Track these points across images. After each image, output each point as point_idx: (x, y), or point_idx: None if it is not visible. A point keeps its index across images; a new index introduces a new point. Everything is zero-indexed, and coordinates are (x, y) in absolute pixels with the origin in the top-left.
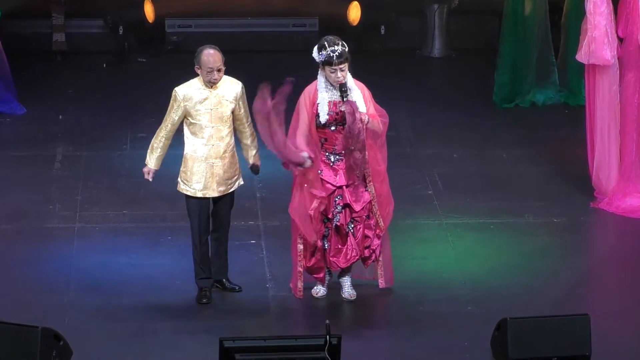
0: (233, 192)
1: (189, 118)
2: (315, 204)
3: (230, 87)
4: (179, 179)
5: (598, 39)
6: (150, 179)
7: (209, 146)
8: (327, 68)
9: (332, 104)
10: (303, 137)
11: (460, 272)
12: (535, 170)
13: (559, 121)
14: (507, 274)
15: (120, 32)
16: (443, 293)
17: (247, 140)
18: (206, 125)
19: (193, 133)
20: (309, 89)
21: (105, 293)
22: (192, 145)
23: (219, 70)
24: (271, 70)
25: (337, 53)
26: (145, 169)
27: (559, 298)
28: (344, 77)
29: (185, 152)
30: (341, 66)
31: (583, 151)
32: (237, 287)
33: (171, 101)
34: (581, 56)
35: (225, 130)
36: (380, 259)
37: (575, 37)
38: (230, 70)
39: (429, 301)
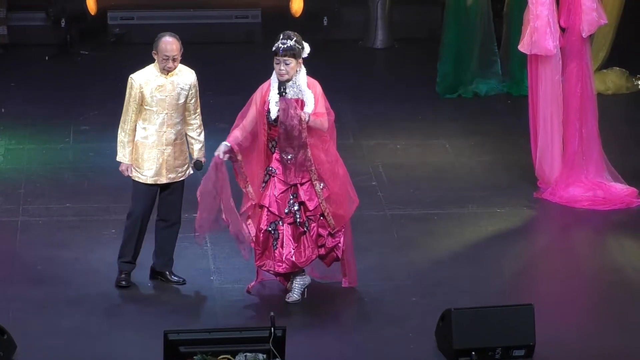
0: (183, 181)
1: (144, 104)
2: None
3: (186, 76)
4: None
5: (540, 29)
6: (130, 174)
7: (160, 133)
8: (274, 58)
9: None
10: (240, 131)
11: (405, 263)
12: (478, 161)
13: (502, 111)
14: (451, 265)
15: (63, 24)
16: (387, 284)
17: (194, 132)
18: (159, 112)
19: (145, 119)
20: (263, 85)
21: (49, 286)
22: (143, 131)
23: (174, 60)
24: (214, 62)
25: (285, 45)
26: (122, 167)
27: (503, 288)
28: (287, 73)
29: (135, 139)
30: (285, 59)
31: (526, 141)
32: (181, 280)
33: (128, 89)
34: (523, 46)
35: (178, 117)
36: (344, 258)
37: (517, 27)
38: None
39: (374, 292)
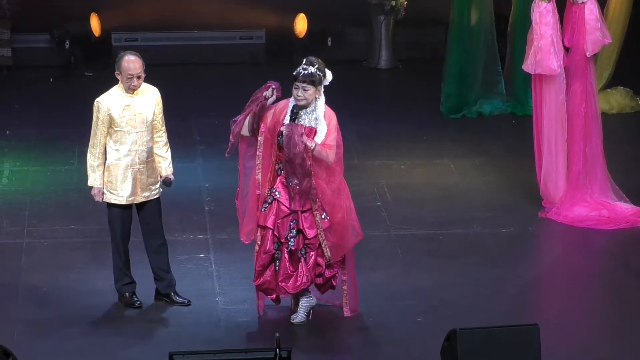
0: (159, 200)
1: (113, 126)
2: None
3: (150, 93)
4: (104, 190)
5: (544, 49)
6: (102, 199)
7: (133, 152)
8: (294, 83)
9: None
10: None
11: (409, 283)
12: (482, 180)
13: (506, 131)
14: (456, 285)
15: (67, 46)
16: (392, 304)
17: (161, 150)
18: (130, 131)
19: (116, 141)
20: (280, 103)
21: (53, 308)
22: (115, 152)
23: (138, 77)
24: (218, 83)
25: (305, 72)
26: (94, 191)
27: (509, 308)
28: (305, 99)
29: (107, 162)
30: (304, 85)
31: (530, 161)
32: (186, 301)
33: (95, 113)
34: (527, 66)
35: (148, 135)
36: (345, 287)
37: (521, 46)
38: (177, 83)
39: (379, 313)
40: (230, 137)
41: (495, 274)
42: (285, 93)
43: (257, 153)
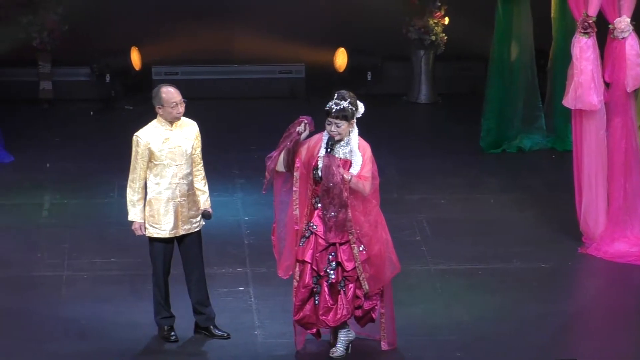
0: (200, 233)
1: (153, 160)
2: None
3: (189, 127)
4: (146, 224)
5: (585, 84)
6: (144, 233)
7: (174, 185)
8: (327, 119)
9: None
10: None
11: (448, 318)
12: (522, 215)
13: (546, 166)
14: (495, 320)
15: (107, 79)
16: (431, 339)
17: (199, 183)
18: (170, 164)
19: (157, 174)
20: (313, 137)
21: (93, 341)
22: (156, 186)
23: (181, 104)
24: (258, 116)
25: (338, 107)
26: (135, 226)
27: (548, 344)
28: (339, 134)
29: (149, 197)
30: (337, 121)
31: (571, 196)
32: (225, 334)
33: (134, 148)
34: (568, 101)
35: (188, 168)
36: (383, 320)
37: (561, 82)
38: (217, 116)
39: (417, 347)
40: (266, 173)
41: (534, 310)
42: (320, 125)
43: (294, 189)
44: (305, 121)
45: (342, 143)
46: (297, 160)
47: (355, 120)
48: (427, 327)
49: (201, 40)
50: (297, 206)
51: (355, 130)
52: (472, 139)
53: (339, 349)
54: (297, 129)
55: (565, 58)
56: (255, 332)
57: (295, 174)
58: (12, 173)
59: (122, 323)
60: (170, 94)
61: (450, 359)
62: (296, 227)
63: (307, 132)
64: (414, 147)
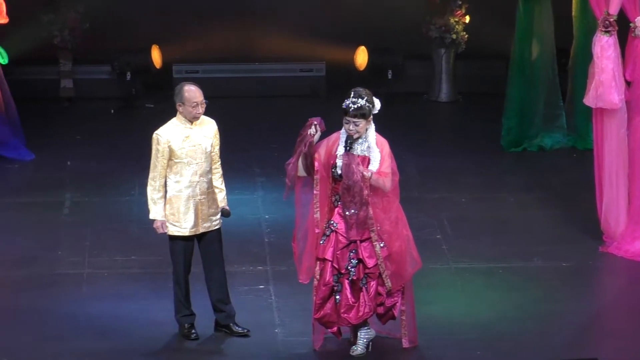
0: (220, 230)
1: (173, 158)
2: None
3: (209, 125)
4: (166, 222)
5: (605, 83)
6: (165, 231)
7: (194, 183)
8: (344, 117)
9: None
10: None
11: (469, 316)
12: (543, 214)
13: (567, 165)
14: (516, 318)
15: (128, 77)
16: (452, 338)
17: (217, 181)
18: (190, 162)
19: (177, 173)
20: (331, 137)
21: (114, 339)
22: (176, 185)
23: (202, 104)
24: (279, 115)
25: (355, 105)
26: (157, 224)
27: (568, 342)
28: (357, 132)
29: (169, 195)
30: (355, 120)
31: (591, 195)
32: (245, 331)
33: (154, 146)
34: (589, 100)
35: (208, 166)
36: (404, 317)
37: (582, 80)
38: (238, 115)
39: (438, 346)
40: (287, 180)
41: (555, 308)
42: (337, 124)
43: (314, 192)
44: (315, 122)
45: (360, 140)
46: (315, 162)
47: (372, 116)
48: (448, 325)
49: (222, 39)
50: (318, 209)
51: (372, 127)
52: (493, 137)
53: (359, 348)
54: (308, 132)
55: (586, 57)
56: (276, 330)
57: (315, 177)
58: (33, 171)
59: (143, 321)
60: (192, 92)
61: (471, 358)
62: (317, 231)
63: (319, 133)
64: (435, 146)
